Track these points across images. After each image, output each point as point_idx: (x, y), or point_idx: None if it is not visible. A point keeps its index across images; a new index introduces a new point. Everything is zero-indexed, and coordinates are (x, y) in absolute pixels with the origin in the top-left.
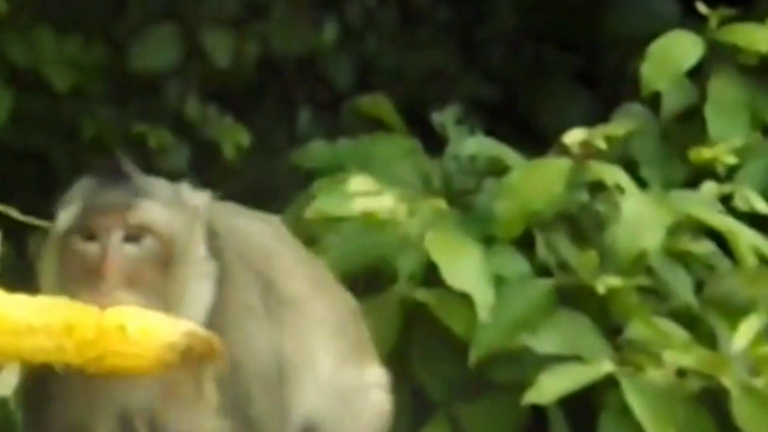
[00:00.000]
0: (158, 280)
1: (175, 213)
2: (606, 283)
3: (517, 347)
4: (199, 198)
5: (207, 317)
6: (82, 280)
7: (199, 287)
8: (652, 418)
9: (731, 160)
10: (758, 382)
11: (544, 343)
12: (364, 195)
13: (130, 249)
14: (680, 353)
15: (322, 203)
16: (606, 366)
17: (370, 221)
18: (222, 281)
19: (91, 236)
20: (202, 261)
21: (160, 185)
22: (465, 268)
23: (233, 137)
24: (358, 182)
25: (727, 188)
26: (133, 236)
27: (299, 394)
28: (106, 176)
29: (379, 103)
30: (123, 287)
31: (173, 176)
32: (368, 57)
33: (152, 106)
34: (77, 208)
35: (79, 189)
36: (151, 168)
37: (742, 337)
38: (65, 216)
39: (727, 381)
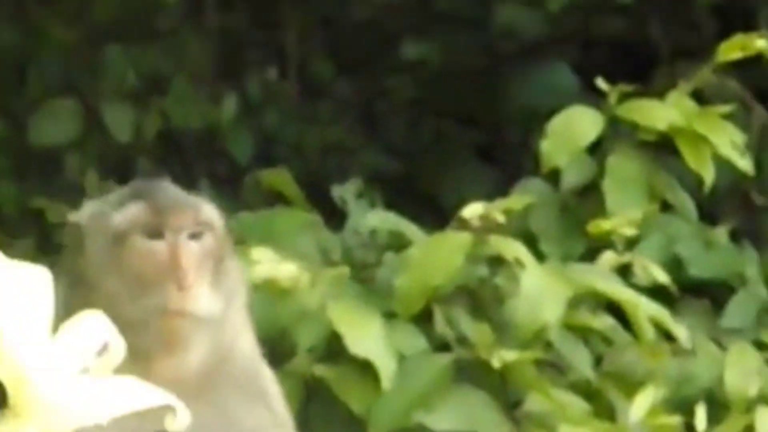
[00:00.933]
0: (217, 276)
1: (218, 215)
2: (502, 357)
3: (415, 425)
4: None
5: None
6: (153, 277)
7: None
8: None
9: (629, 231)
10: None
11: (440, 420)
12: (265, 263)
13: (195, 245)
14: (578, 426)
15: None
16: None
17: (271, 289)
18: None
19: (157, 234)
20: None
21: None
22: (368, 338)
23: None
24: (260, 252)
25: (625, 258)
26: (195, 234)
27: None
28: (151, 181)
29: (279, 177)
30: (198, 282)
31: None
32: (268, 131)
33: (51, 181)
34: (140, 207)
35: (124, 193)
36: (50, 243)
37: (639, 407)
38: (123, 216)
39: None
